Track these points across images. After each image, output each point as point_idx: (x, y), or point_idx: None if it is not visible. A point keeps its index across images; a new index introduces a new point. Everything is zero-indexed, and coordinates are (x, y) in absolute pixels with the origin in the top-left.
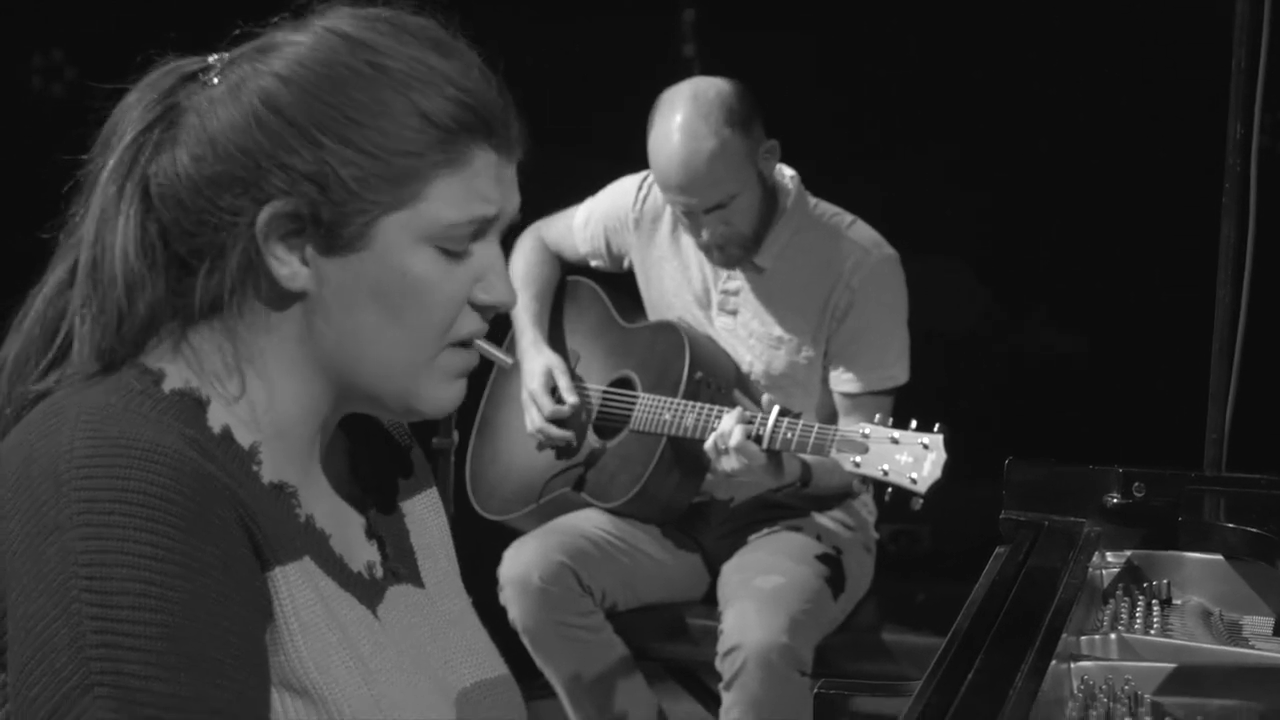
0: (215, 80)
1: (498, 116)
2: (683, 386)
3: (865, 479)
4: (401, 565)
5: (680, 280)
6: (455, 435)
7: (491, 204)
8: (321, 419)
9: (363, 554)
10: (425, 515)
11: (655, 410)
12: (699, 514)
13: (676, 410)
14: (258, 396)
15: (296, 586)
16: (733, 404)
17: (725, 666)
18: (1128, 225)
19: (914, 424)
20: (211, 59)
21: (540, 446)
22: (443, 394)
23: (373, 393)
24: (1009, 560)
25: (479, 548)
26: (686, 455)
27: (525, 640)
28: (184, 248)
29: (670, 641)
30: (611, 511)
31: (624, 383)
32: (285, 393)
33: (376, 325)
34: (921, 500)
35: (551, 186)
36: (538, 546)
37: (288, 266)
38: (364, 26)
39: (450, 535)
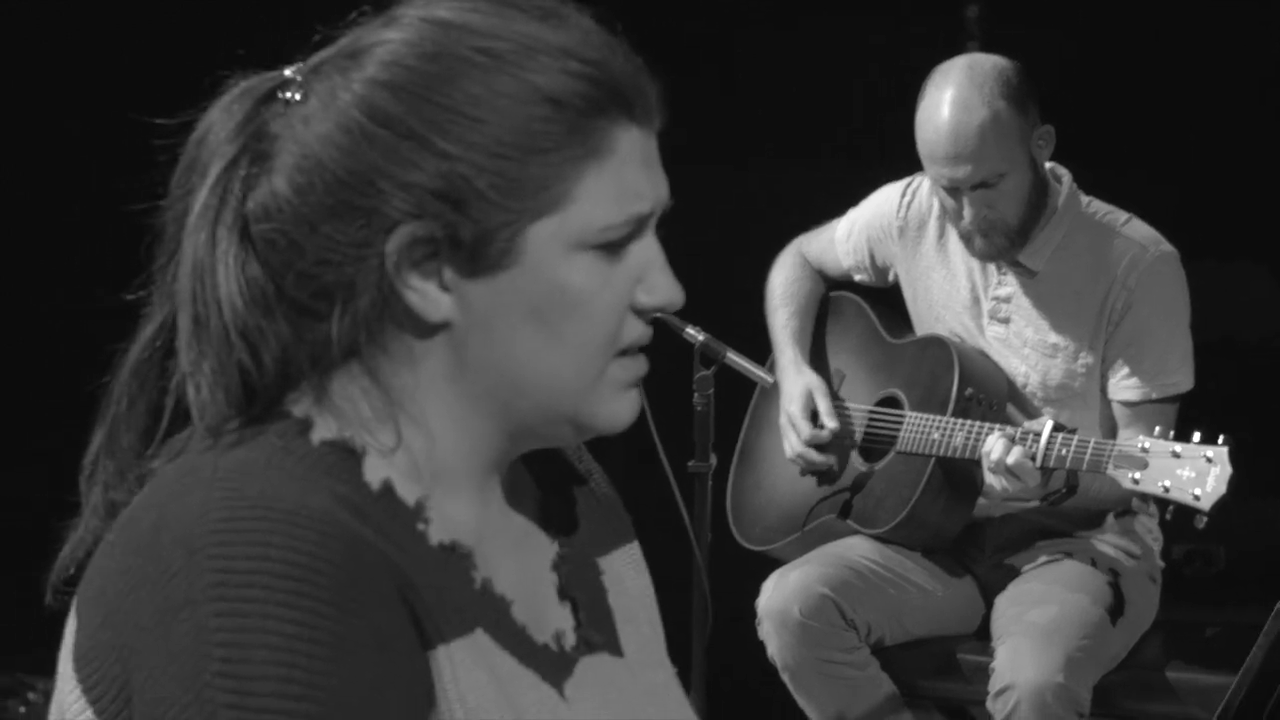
0: (299, 96)
1: (631, 84)
2: (952, 404)
3: (1145, 496)
4: (597, 631)
5: (949, 289)
6: (713, 459)
7: (645, 199)
8: (489, 461)
9: (552, 620)
10: (624, 573)
11: (923, 430)
12: (971, 539)
13: (945, 429)
14: (415, 444)
15: (463, 667)
16: (1005, 421)
17: (997, 707)
18: None
19: (1197, 436)
20: (288, 72)
21: (802, 472)
22: (618, 409)
23: (540, 420)
24: None
25: (736, 578)
26: (956, 477)
27: (785, 678)
28: (304, 292)
29: (941, 679)
30: (878, 538)
31: (890, 401)
32: (444, 437)
33: (535, 348)
34: (1206, 518)
35: (821, 198)
36: (799, 578)
37: (425, 296)
38: (461, 8)
39: (654, 597)
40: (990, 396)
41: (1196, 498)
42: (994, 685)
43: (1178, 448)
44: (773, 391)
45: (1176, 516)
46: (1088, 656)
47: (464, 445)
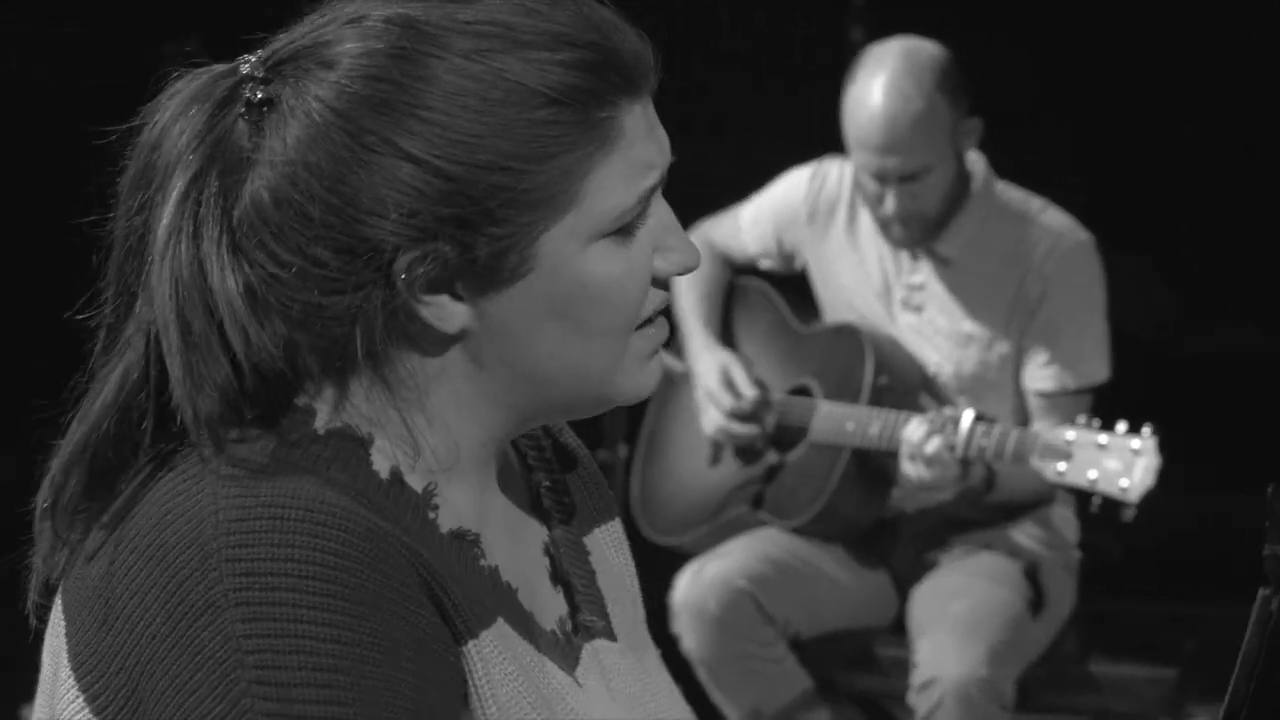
0: (260, 95)
1: (629, 59)
2: (865, 393)
3: (1070, 488)
4: (595, 615)
5: (859, 276)
6: (623, 448)
7: (654, 168)
8: (496, 446)
9: (552, 606)
10: (607, 552)
11: (836, 420)
12: (886, 530)
13: (860, 419)
14: (426, 436)
15: (493, 660)
16: (919, 410)
17: (920, 701)
18: None
19: (1121, 426)
20: (244, 69)
21: (716, 460)
22: (642, 380)
23: (565, 404)
24: None
25: (647, 571)
26: (871, 468)
27: (701, 673)
28: (316, 320)
29: (858, 673)
30: (792, 530)
31: (802, 391)
32: (459, 431)
33: (559, 342)
34: (1134, 510)
35: (715, 184)
36: (716, 571)
37: (440, 309)
38: (433, 1)
39: (635, 575)
40: (904, 385)
41: (1124, 489)
42: (916, 679)
43: (1103, 438)
44: (680, 380)
45: (1103, 509)
46: (1010, 649)
47: (475, 434)
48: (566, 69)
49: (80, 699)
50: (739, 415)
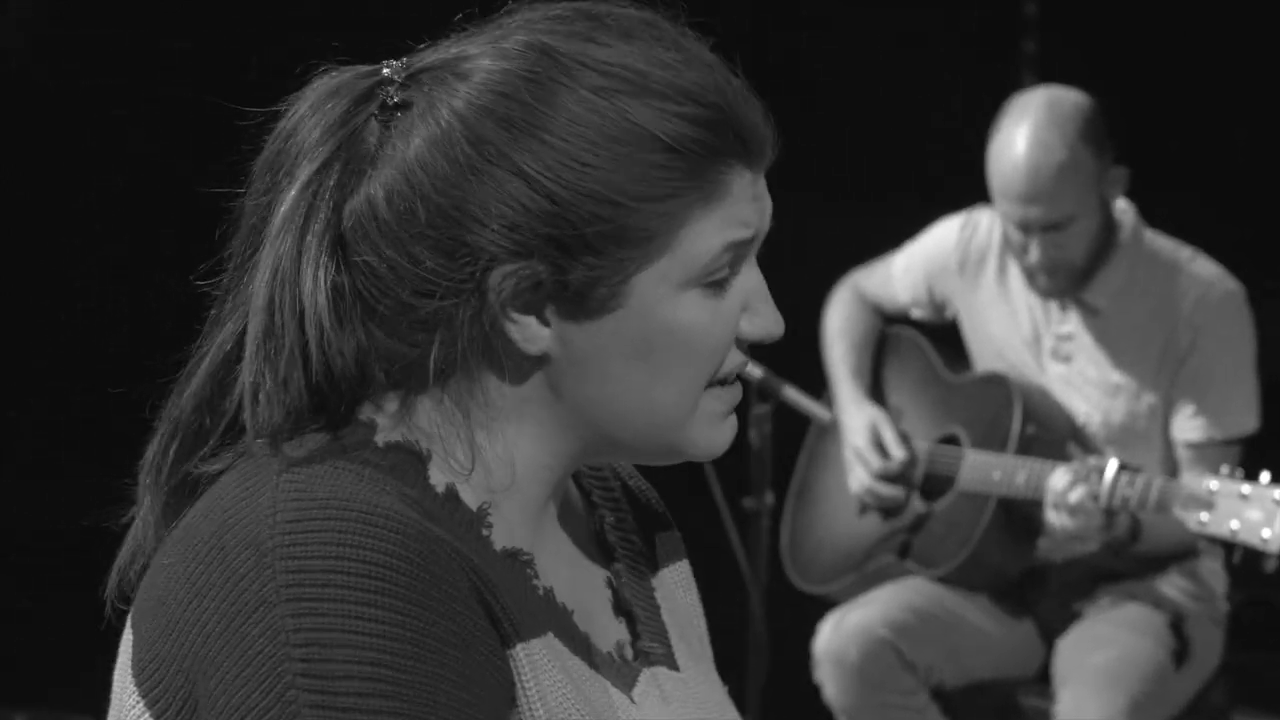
0: (397, 99)
1: (750, 130)
2: (1013, 442)
3: (1212, 538)
4: (655, 644)
5: (1009, 325)
6: (770, 496)
7: (749, 227)
8: (561, 475)
9: (611, 632)
10: (675, 590)
11: (983, 469)
12: (1034, 581)
13: (1006, 468)
14: (490, 457)
15: (542, 668)
16: (1068, 460)
17: None
18: None
19: (1265, 476)
20: (386, 71)
21: (864, 509)
22: (716, 438)
23: (633, 445)
24: None
25: (793, 619)
26: (1018, 517)
27: None
28: (402, 320)
29: None
30: (938, 579)
31: (951, 440)
32: (522, 454)
33: (637, 384)
34: (1275, 562)
35: (875, 233)
36: (857, 619)
37: (525, 330)
38: (572, 34)
39: (703, 614)
40: (1052, 435)
41: (1265, 540)
42: None
43: (1246, 488)
44: (830, 429)
45: (1244, 559)
46: (1152, 701)
47: (538, 458)
48: (686, 121)
49: (141, 704)
50: (887, 476)
